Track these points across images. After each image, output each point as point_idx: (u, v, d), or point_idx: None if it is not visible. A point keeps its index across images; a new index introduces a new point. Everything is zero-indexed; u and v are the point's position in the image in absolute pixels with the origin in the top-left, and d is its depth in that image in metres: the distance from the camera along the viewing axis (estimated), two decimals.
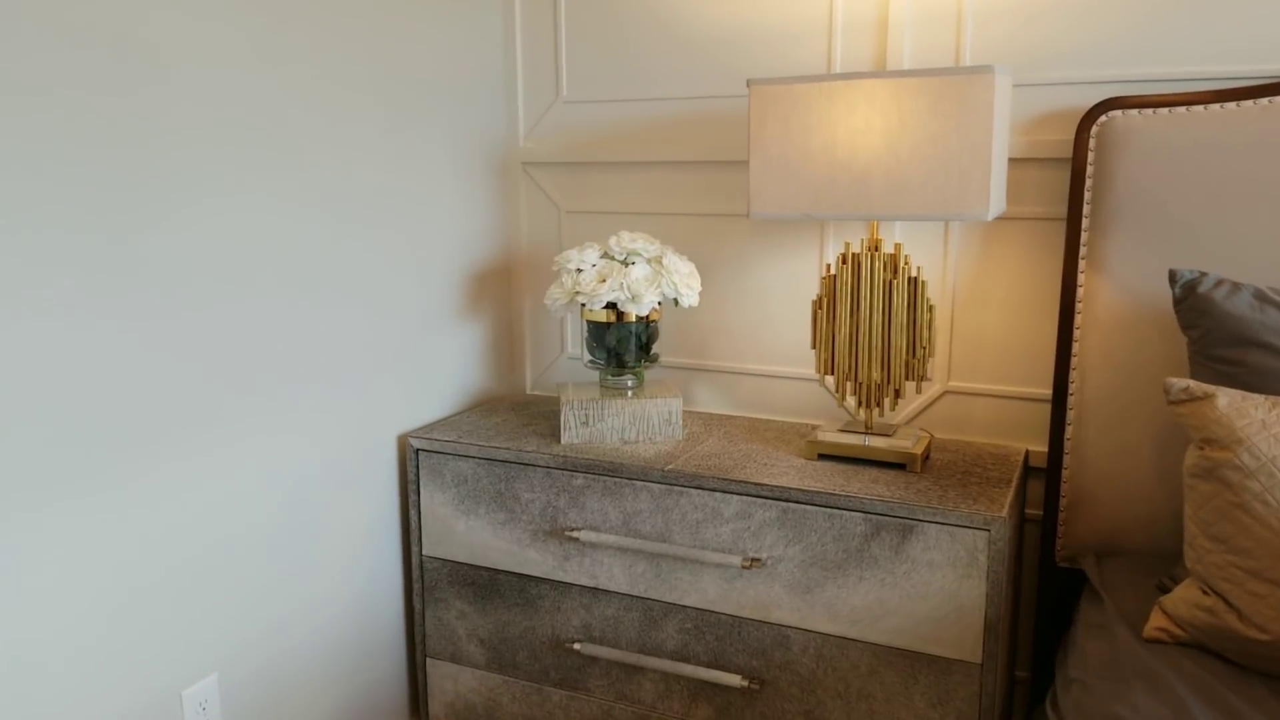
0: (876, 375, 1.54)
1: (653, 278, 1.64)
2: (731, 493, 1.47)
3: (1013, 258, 1.65)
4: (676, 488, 1.50)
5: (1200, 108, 1.44)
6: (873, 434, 1.56)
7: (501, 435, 1.71)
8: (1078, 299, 1.54)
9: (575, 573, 1.60)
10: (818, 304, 1.57)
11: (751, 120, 1.47)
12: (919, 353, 1.51)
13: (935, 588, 1.36)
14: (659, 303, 1.64)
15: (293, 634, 1.55)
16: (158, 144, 1.28)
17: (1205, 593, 1.13)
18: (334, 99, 1.54)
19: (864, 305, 1.53)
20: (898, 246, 1.50)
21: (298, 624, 1.56)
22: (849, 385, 1.57)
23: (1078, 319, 1.54)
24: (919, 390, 1.53)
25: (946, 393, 1.72)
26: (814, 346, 1.58)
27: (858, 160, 1.41)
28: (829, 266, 1.56)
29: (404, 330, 1.74)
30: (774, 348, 1.84)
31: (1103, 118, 1.51)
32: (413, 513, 1.72)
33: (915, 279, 1.50)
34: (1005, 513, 1.33)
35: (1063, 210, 1.60)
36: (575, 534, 1.57)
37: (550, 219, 2.00)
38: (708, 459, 1.57)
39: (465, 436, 1.70)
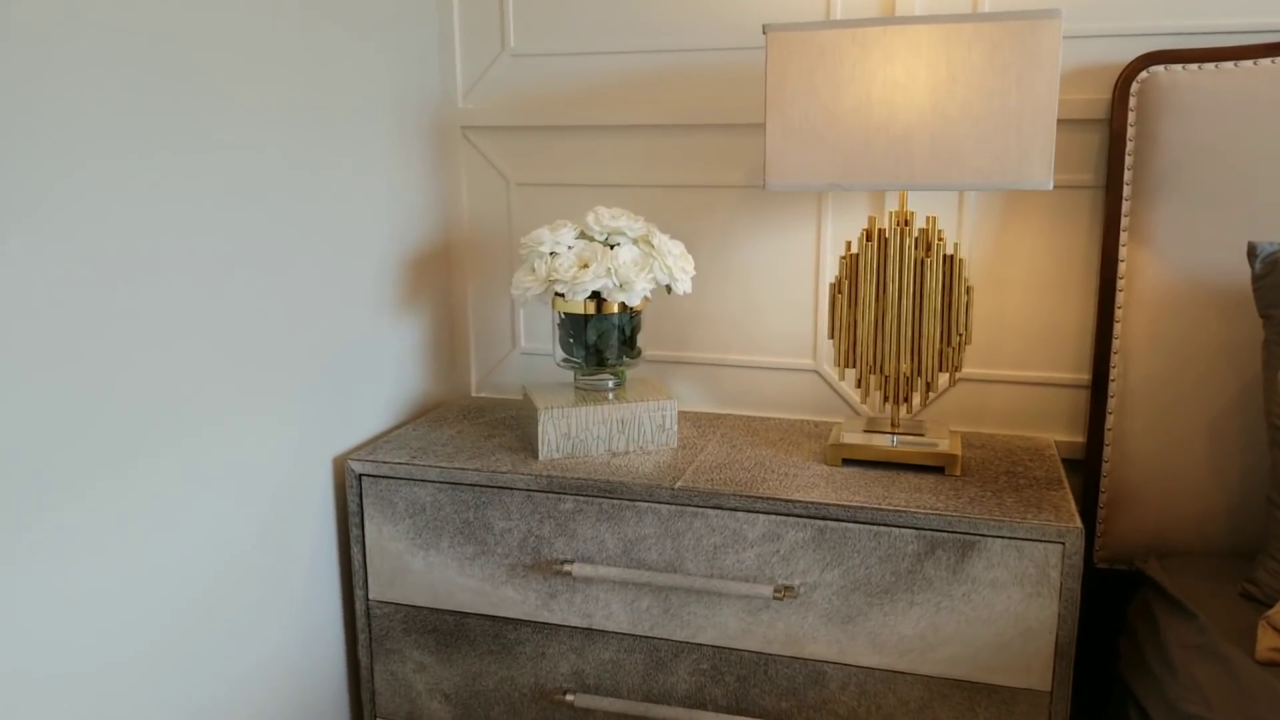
0: (905, 367, 1.39)
1: (643, 261, 1.44)
2: (758, 511, 1.29)
3: (1035, 231, 1.52)
4: (690, 508, 1.32)
5: (1250, 63, 1.34)
6: (901, 433, 1.40)
7: (464, 452, 1.48)
8: (1119, 275, 1.42)
9: (564, 612, 1.40)
10: (836, 287, 1.40)
11: (769, 75, 1.28)
12: (955, 340, 1.36)
13: (1000, 610, 1.23)
14: (651, 290, 1.44)
15: None
16: None
17: None
18: (230, 51, 1.27)
19: (891, 288, 1.37)
20: (931, 220, 1.35)
21: (224, 713, 1.30)
22: (873, 379, 1.41)
23: (1119, 297, 1.42)
24: (953, 382, 1.39)
25: (960, 380, 1.59)
26: (831, 336, 1.41)
27: (897, 120, 1.24)
28: (849, 245, 1.40)
29: (331, 331, 1.48)
30: (763, 335, 1.67)
31: (1143, 74, 1.39)
32: (355, 550, 1.48)
33: (952, 257, 1.35)
34: (1079, 523, 1.20)
35: (1094, 177, 1.48)
36: (565, 567, 1.36)
37: (497, 192, 1.76)
38: (718, 471, 1.38)
39: (419, 456, 1.46)
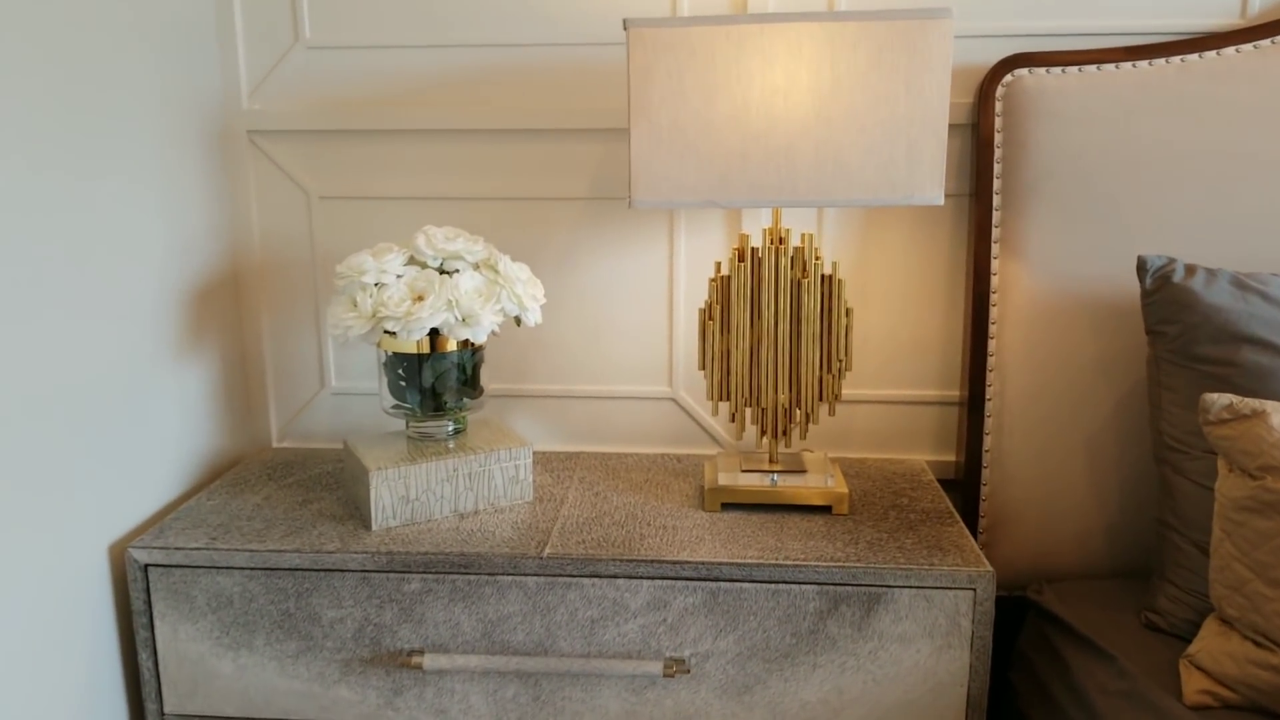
0: (784, 398, 1.27)
1: (487, 290, 1.25)
2: (641, 577, 1.14)
3: (898, 242, 1.45)
4: (561, 578, 1.14)
5: (1112, 66, 1.31)
6: (782, 471, 1.29)
7: (276, 526, 1.24)
8: (992, 289, 1.36)
9: (413, 710, 1.19)
10: (707, 314, 1.26)
11: (632, 76, 1.12)
12: (835, 367, 1.26)
13: (908, 666, 1.13)
14: (499, 324, 1.25)
15: None
16: None
17: (1262, 645, 0.98)
18: None
19: (766, 313, 1.25)
20: (807, 237, 1.24)
21: None
22: (748, 412, 1.29)
23: (993, 312, 1.37)
24: (833, 412, 1.28)
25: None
26: (702, 367, 1.27)
27: (778, 130, 1.12)
28: (719, 266, 1.26)
29: (98, 384, 1.20)
30: (614, 363, 1.52)
31: (1008, 77, 1.34)
32: (145, 657, 1.21)
33: (830, 277, 1.24)
34: (988, 565, 1.12)
35: (959, 185, 1.42)
36: (414, 659, 1.15)
37: (295, 208, 1.51)
38: (588, 528, 1.22)
39: (221, 536, 1.21)
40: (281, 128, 1.47)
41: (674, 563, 1.14)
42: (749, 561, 1.13)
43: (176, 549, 1.19)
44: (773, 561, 1.13)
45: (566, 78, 1.43)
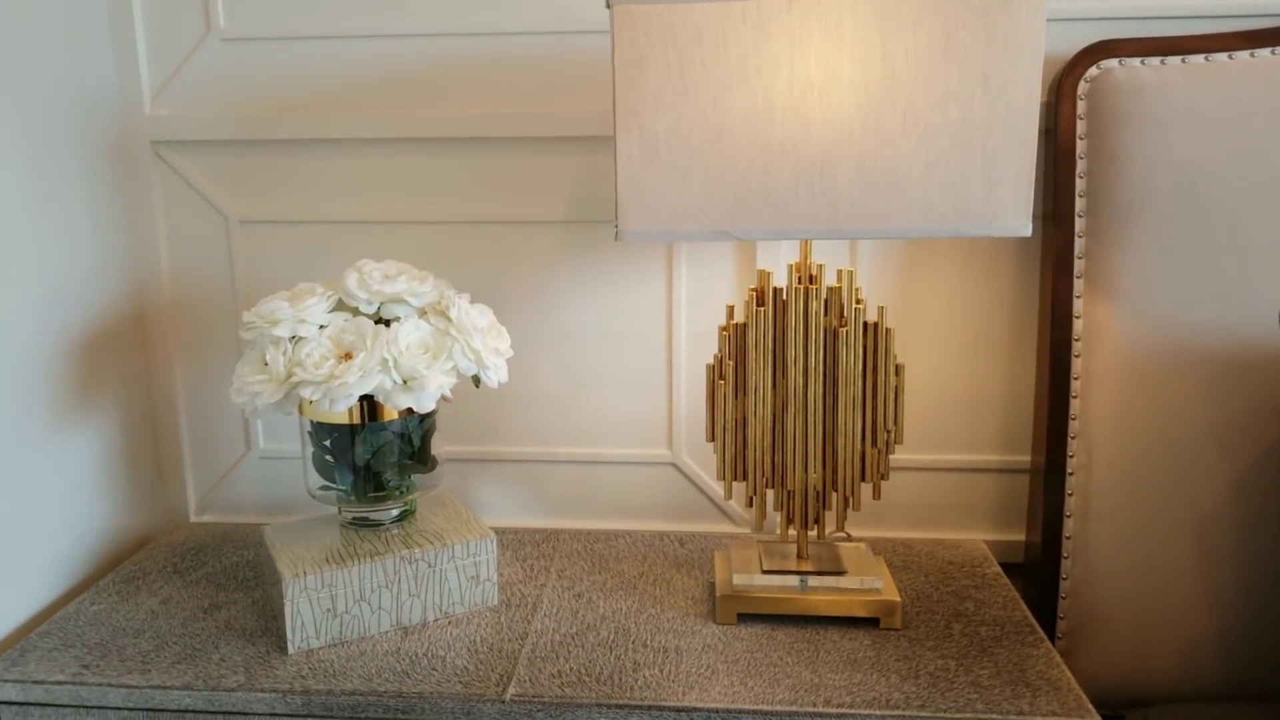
0: (815, 478, 1.01)
1: (436, 343, 0.98)
2: None
3: (950, 277, 1.19)
4: None
5: (1225, 56, 1.06)
6: (814, 571, 1.02)
7: (168, 647, 0.98)
8: (1075, 336, 1.10)
9: None
10: (716, 371, 1.00)
11: (618, 69, 0.86)
12: (882, 439, 1.00)
13: None
14: (450, 387, 0.99)
15: None
16: None
17: None
18: None
19: (794, 370, 0.98)
20: (846, 276, 0.97)
21: None
22: (770, 495, 1.03)
23: (1076, 364, 1.11)
24: (877, 495, 1.02)
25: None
26: (711, 438, 1.01)
27: (812, 138, 0.86)
28: (731, 310, 1.00)
29: None
30: (600, 420, 1.26)
31: (1093, 70, 1.08)
32: None
33: (876, 326, 0.98)
34: (1096, 716, 0.86)
35: (1033, 207, 1.15)
36: None
37: (211, 234, 1.25)
38: (565, 650, 0.96)
39: (95, 663, 0.95)
40: (193, 137, 1.21)
41: (678, 709, 0.87)
42: (779, 709, 0.86)
43: (35, 683, 0.93)
44: (810, 710, 0.86)
45: (540, 74, 1.17)
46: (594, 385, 1.26)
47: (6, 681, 0.94)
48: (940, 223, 0.87)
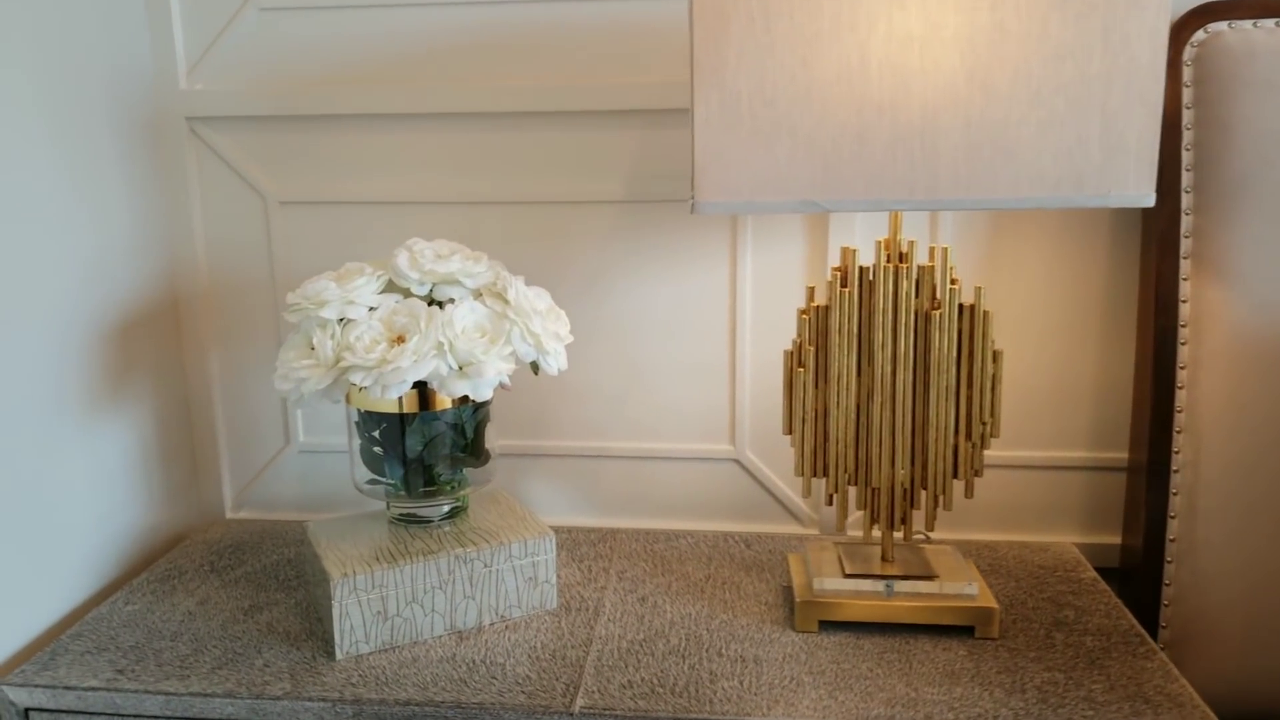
0: (903, 474, 0.94)
1: (494, 327, 0.92)
2: None
3: (1039, 256, 1.12)
4: None
5: None
6: (900, 576, 0.95)
7: (209, 651, 0.92)
8: (1181, 322, 1.02)
9: None
10: (795, 358, 0.93)
11: (696, 25, 0.80)
12: (977, 432, 0.92)
13: None
14: (509, 374, 0.93)
15: None
16: None
17: None
18: None
19: (881, 357, 0.91)
20: (940, 253, 0.90)
21: None
22: (853, 494, 0.96)
23: (1183, 353, 1.03)
24: (970, 493, 0.95)
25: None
26: (789, 430, 0.94)
27: (912, 99, 0.79)
28: (811, 293, 0.93)
29: None
30: (659, 413, 1.20)
31: (1200, 34, 1.00)
32: None
33: (973, 309, 0.90)
34: None
35: None
36: None
37: (249, 216, 1.19)
38: (635, 659, 0.89)
39: (130, 667, 0.89)
40: (230, 113, 1.16)
41: None
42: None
43: (67, 688, 0.87)
44: None
45: (596, 43, 1.11)
46: (652, 376, 1.19)
47: (37, 687, 0.88)
48: (1053, 192, 0.80)
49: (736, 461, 1.21)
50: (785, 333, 1.16)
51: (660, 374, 1.19)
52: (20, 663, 0.95)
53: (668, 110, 1.12)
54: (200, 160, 1.19)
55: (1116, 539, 1.16)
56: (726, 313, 1.17)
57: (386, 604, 0.92)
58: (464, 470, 1.02)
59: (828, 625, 0.95)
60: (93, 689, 0.88)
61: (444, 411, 0.97)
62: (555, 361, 0.97)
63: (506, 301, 0.94)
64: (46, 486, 0.99)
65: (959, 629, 0.94)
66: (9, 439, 0.94)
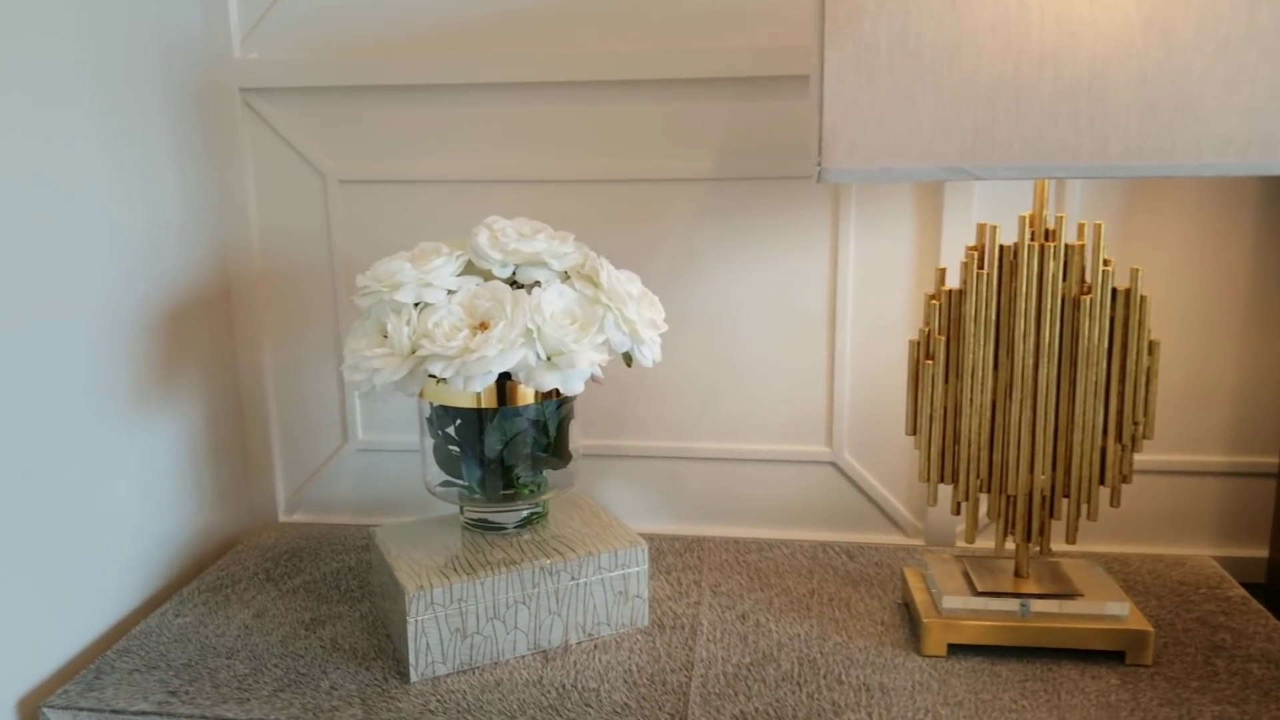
0: (1042, 480, 0.84)
1: (584, 314, 0.83)
2: None
3: (1175, 231, 1.01)
4: None
5: None
6: (1037, 594, 0.85)
7: (269, 670, 0.84)
8: None
9: None
10: (922, 349, 0.84)
11: None
12: (1128, 434, 0.83)
13: None
14: (603, 365, 0.84)
15: None
16: None
17: None
18: None
19: (1022, 348, 0.82)
20: (1094, 230, 0.80)
21: None
22: (980, 499, 0.87)
23: None
24: (1116, 501, 0.85)
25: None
26: (914, 430, 0.85)
27: (1078, 50, 0.69)
28: (942, 274, 0.84)
29: (15, 452, 0.81)
30: (747, 412, 1.11)
31: None
32: None
33: (1128, 294, 0.81)
34: None
35: None
36: None
37: (307, 195, 1.11)
38: (744, 688, 0.80)
39: (184, 689, 0.82)
40: (286, 84, 1.08)
41: None
42: None
43: (115, 712, 0.80)
44: None
45: (685, 1, 1.02)
46: (741, 370, 1.10)
47: (82, 710, 0.81)
48: (1240, 158, 0.70)
49: (833, 465, 1.12)
50: (890, 324, 1.06)
51: (751, 368, 1.10)
52: (62, 682, 0.87)
53: (763, 79, 1.03)
54: (254, 135, 1.11)
55: (1263, 552, 1.06)
56: (825, 301, 1.08)
57: (465, 620, 0.84)
58: (544, 472, 0.94)
59: (956, 649, 0.86)
60: (143, 713, 0.80)
61: (525, 407, 0.89)
62: (650, 352, 0.88)
63: (598, 285, 0.85)
64: (90, 486, 0.92)
65: (1104, 654, 0.84)
66: (51, 434, 0.86)
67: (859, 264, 1.06)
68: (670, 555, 1.07)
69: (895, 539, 1.12)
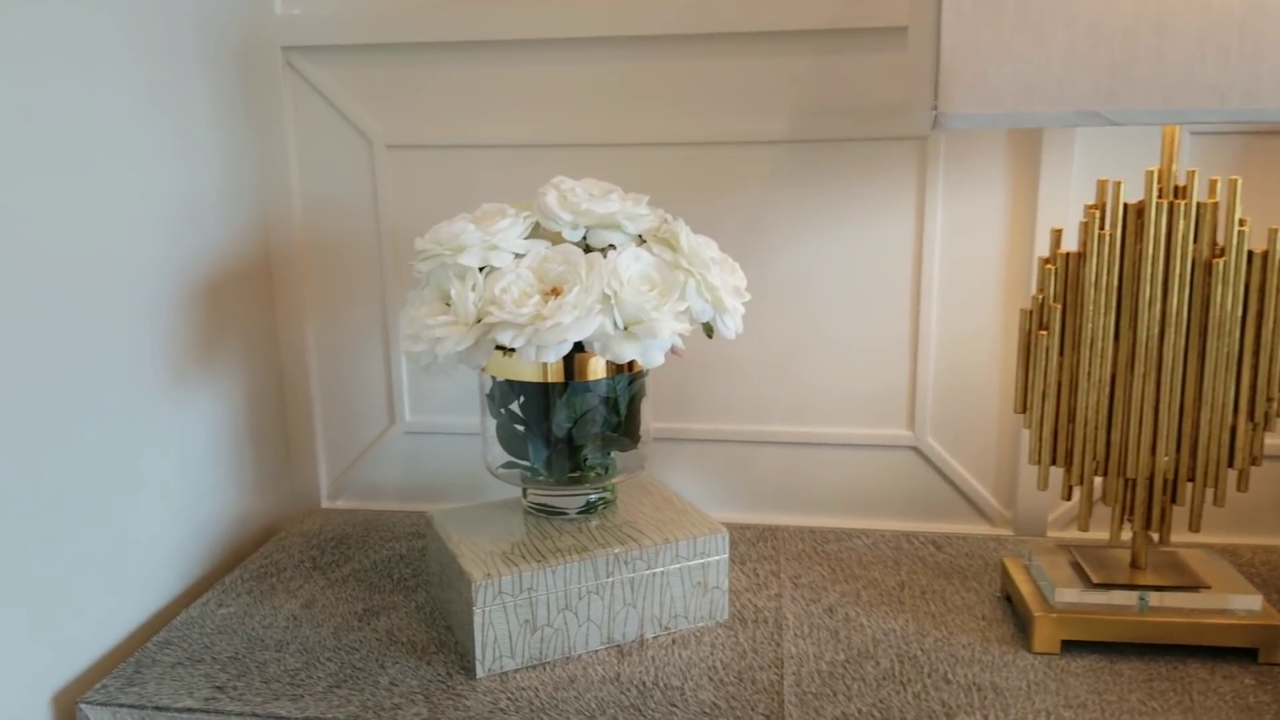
0: (1165, 461, 0.77)
1: (664, 280, 0.77)
2: None
3: None
4: None
5: None
6: (1157, 586, 0.79)
7: (323, 665, 0.78)
8: None
9: None
10: (1035, 318, 0.77)
11: None
12: (1261, 411, 0.75)
13: None
14: (684, 334, 0.78)
15: None
16: None
17: None
18: None
19: (1146, 315, 0.75)
20: (1229, 186, 0.73)
21: None
22: (1098, 483, 0.80)
23: None
24: (1244, 485, 0.78)
25: None
26: (1023, 409, 0.78)
27: None
28: (1058, 235, 0.77)
29: (45, 431, 0.76)
30: (824, 393, 1.05)
31: None
32: None
33: (1265, 256, 0.73)
34: None
35: None
36: None
37: (352, 160, 1.06)
38: (842, 687, 0.74)
39: (231, 684, 0.76)
40: (331, 41, 1.02)
41: None
42: None
43: (158, 709, 0.74)
44: None
45: None
46: (817, 347, 1.04)
47: (123, 706, 0.75)
48: None
49: (915, 449, 1.05)
50: (979, 296, 1.00)
51: (827, 345, 1.03)
52: (100, 676, 0.82)
53: (843, 31, 0.96)
54: (297, 97, 1.06)
55: None
56: (909, 274, 1.01)
57: (535, 611, 0.78)
58: (611, 453, 0.87)
59: (1070, 645, 0.79)
60: (189, 710, 0.74)
61: (595, 382, 0.83)
62: (733, 322, 0.82)
63: (678, 249, 0.79)
64: (126, 469, 0.86)
65: (1233, 651, 0.77)
66: (86, 414, 0.81)
67: (946, 231, 0.99)
68: (744, 545, 1.01)
69: (981, 528, 1.06)
